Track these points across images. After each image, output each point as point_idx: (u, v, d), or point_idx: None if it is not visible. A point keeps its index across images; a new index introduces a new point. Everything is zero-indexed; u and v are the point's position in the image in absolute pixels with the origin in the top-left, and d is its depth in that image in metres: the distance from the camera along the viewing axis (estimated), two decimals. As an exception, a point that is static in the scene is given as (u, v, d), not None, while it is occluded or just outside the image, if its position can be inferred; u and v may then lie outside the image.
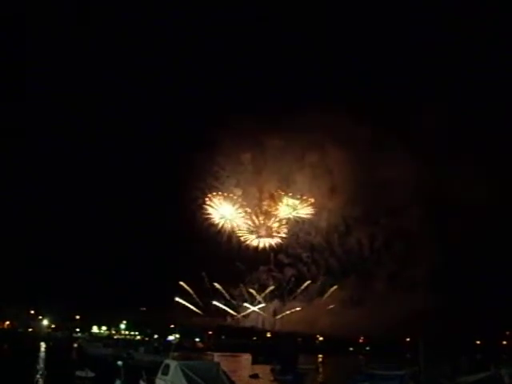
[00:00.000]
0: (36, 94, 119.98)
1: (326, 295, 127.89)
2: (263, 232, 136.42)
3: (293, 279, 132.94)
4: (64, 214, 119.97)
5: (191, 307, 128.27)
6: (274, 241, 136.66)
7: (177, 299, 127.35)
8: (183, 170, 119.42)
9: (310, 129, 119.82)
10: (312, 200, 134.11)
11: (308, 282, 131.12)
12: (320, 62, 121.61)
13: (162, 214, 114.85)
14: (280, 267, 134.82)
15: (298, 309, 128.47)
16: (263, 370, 50.03)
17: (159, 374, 26.87)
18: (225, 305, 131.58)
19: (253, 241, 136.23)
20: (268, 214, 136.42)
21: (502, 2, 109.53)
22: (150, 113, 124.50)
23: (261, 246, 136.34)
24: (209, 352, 79.74)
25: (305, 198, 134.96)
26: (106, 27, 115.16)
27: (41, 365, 52.73)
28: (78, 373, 41.49)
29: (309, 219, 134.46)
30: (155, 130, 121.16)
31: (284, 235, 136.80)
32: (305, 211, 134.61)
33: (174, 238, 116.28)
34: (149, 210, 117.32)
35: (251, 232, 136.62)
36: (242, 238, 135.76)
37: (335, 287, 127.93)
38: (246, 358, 70.90)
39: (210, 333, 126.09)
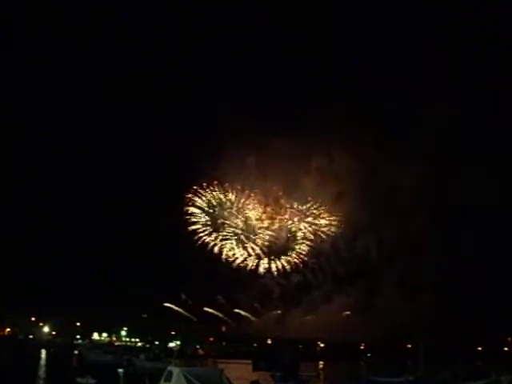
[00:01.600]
0: (36, 94, 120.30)
1: (334, 304, 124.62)
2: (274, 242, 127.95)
3: (297, 286, 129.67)
4: (63, 218, 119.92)
5: (187, 314, 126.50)
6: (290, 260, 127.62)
7: (167, 305, 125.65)
8: (186, 169, 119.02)
9: (312, 130, 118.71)
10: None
11: (314, 291, 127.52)
12: (320, 62, 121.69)
13: (163, 221, 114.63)
14: (285, 273, 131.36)
15: (308, 317, 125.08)
16: (264, 377, 50.08)
17: (162, 381, 27.12)
18: (225, 314, 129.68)
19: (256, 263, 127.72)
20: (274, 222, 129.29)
21: (502, 2, 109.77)
22: (150, 113, 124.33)
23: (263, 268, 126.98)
24: (210, 359, 79.66)
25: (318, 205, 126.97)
26: (106, 27, 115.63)
27: (42, 372, 52.87)
28: (79, 379, 41.68)
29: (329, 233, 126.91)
30: (156, 131, 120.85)
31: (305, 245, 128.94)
32: (323, 222, 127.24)
33: (175, 245, 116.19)
34: (149, 218, 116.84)
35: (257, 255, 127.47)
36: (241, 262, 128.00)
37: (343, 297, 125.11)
38: (247, 364, 70.95)
39: (211, 339, 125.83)
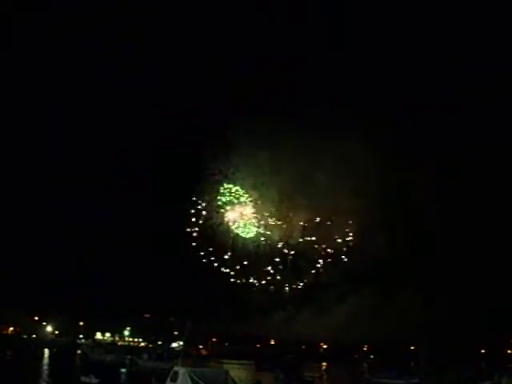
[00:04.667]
0: (36, 94, 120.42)
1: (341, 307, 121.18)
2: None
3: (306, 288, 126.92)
4: (65, 218, 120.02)
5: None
6: None
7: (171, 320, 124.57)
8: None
9: (322, 128, 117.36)
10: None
11: (322, 293, 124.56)
12: (322, 62, 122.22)
13: (166, 220, 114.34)
14: (296, 272, 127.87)
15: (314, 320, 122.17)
16: (267, 378, 50.23)
17: (168, 381, 27.41)
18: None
19: None
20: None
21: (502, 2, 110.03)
22: (158, 111, 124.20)
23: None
24: (212, 359, 79.89)
25: None
26: (106, 27, 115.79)
27: (45, 371, 53.07)
28: (83, 378, 41.99)
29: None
30: (162, 129, 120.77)
31: None
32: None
33: (177, 244, 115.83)
34: (152, 216, 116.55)
35: None
36: None
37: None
38: (250, 365, 71.21)
39: (214, 340, 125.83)
